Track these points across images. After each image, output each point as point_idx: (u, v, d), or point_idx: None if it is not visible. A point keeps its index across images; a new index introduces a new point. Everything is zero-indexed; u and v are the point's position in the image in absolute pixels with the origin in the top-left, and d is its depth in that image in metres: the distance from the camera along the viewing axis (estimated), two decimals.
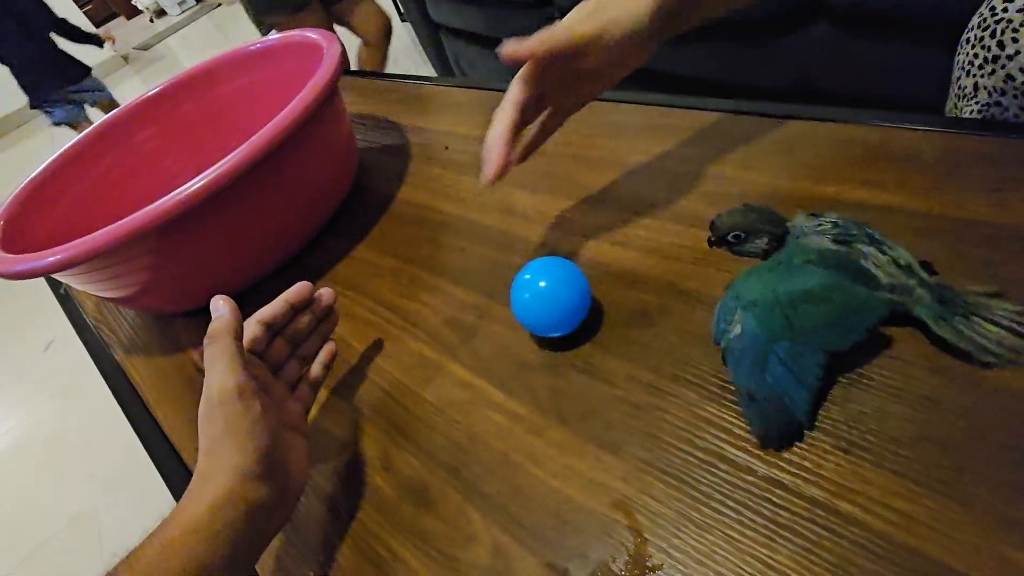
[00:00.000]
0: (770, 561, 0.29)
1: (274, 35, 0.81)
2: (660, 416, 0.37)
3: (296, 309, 0.45)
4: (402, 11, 1.90)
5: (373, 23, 1.81)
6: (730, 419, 0.35)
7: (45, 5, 2.78)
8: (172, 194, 0.51)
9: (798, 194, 0.47)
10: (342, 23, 1.80)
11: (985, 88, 0.56)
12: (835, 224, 0.37)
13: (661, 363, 0.40)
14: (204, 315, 0.59)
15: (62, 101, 2.83)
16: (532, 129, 0.48)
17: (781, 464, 0.32)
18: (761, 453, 0.33)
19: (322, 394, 0.51)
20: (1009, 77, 0.53)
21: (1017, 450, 0.29)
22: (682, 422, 0.36)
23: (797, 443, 0.33)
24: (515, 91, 0.43)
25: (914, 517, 0.28)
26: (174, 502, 0.37)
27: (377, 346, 0.52)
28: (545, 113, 0.47)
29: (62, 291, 0.84)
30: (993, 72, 0.55)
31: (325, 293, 0.47)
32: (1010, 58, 0.52)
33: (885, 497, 0.29)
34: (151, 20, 6.92)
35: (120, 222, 0.51)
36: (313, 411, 0.49)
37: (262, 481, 0.34)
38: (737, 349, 0.35)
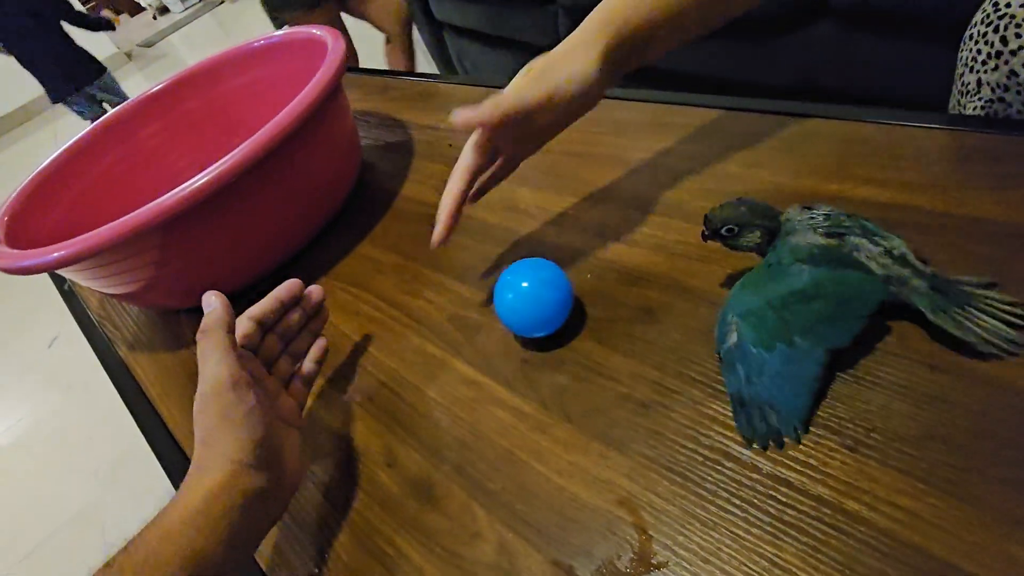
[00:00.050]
0: (776, 559, 0.29)
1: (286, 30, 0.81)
2: (665, 414, 0.37)
3: (287, 306, 0.46)
4: None
5: (391, 13, 1.80)
6: None
7: None
8: (176, 190, 0.52)
9: (802, 192, 0.47)
10: (361, 17, 1.79)
11: (988, 84, 0.56)
12: (827, 217, 0.37)
13: (666, 360, 0.40)
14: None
15: (83, 99, 2.86)
16: (485, 176, 0.49)
17: (787, 462, 0.32)
18: (767, 451, 0.33)
19: (326, 390, 0.51)
20: (1012, 73, 0.52)
21: None
22: (687, 420, 0.36)
23: (803, 442, 0.33)
24: (468, 158, 0.44)
25: (920, 515, 0.28)
26: None
27: (381, 343, 0.52)
28: (497, 163, 0.48)
29: (66, 287, 0.84)
30: (996, 68, 0.55)
31: (314, 290, 0.48)
32: (1013, 54, 0.52)
33: (891, 495, 0.29)
34: (154, 17, 6.92)
35: (125, 218, 0.51)
36: (317, 407, 0.50)
37: (258, 470, 0.35)
38: (730, 358, 0.36)
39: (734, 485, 0.32)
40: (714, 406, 0.36)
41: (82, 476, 1.69)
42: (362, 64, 1.76)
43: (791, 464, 0.32)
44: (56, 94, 2.83)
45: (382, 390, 0.48)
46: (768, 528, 0.30)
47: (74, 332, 0.76)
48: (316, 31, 0.73)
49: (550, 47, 0.44)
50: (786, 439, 0.33)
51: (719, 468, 0.33)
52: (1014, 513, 0.27)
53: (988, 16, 0.55)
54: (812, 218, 0.37)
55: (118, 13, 6.78)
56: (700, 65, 1.09)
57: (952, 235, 0.39)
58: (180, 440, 0.53)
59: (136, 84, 4.84)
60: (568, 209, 0.56)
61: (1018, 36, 0.51)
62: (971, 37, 0.58)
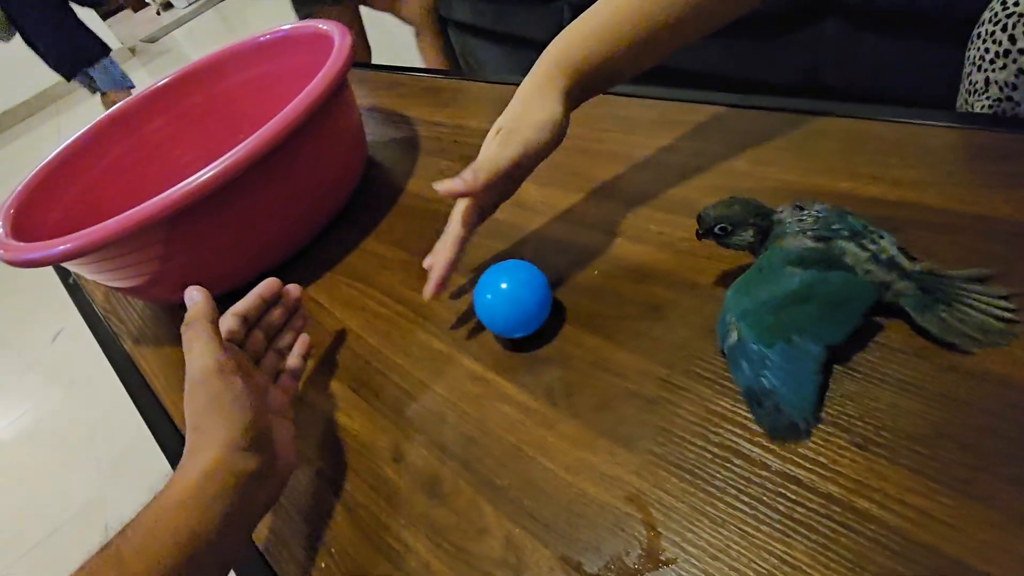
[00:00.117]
0: (786, 556, 0.29)
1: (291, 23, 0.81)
2: (673, 411, 0.37)
3: (268, 303, 0.48)
4: None
5: (414, 4, 1.78)
6: (744, 414, 0.35)
7: None
8: (182, 184, 0.52)
9: (811, 190, 0.46)
10: (386, 10, 1.78)
11: (996, 83, 0.56)
12: (816, 219, 0.37)
13: (674, 358, 0.40)
14: None
15: (100, 71, 2.91)
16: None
17: (796, 460, 0.32)
18: (776, 448, 0.33)
19: (330, 384, 0.51)
20: (1020, 72, 0.52)
21: None
22: (696, 417, 0.36)
23: (812, 439, 0.33)
24: (457, 230, 0.46)
25: (931, 514, 0.28)
26: None
27: (387, 338, 0.52)
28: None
29: (71, 281, 0.84)
30: (1004, 67, 0.54)
31: (292, 288, 0.50)
32: (1021, 52, 0.51)
33: (901, 494, 0.29)
34: (158, 13, 6.91)
35: (130, 211, 0.51)
36: (322, 401, 0.50)
37: (249, 452, 0.36)
38: (734, 355, 0.36)
39: (743, 482, 0.32)
40: (723, 403, 0.36)
41: (85, 471, 1.69)
42: (388, 62, 1.75)
43: (800, 462, 0.32)
44: (65, 69, 2.87)
45: (388, 385, 0.48)
46: (778, 526, 0.30)
47: (77, 327, 0.76)
48: (323, 25, 0.72)
49: None
50: (802, 428, 0.33)
51: (728, 465, 0.33)
52: None
53: (996, 15, 0.55)
54: (802, 220, 0.37)
55: (122, 8, 6.78)
56: (704, 63, 1.09)
57: (961, 234, 0.39)
58: (185, 433, 0.53)
59: (140, 79, 4.82)
60: (575, 206, 0.56)
61: None
62: (979, 36, 0.57)
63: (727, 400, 0.36)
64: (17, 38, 2.82)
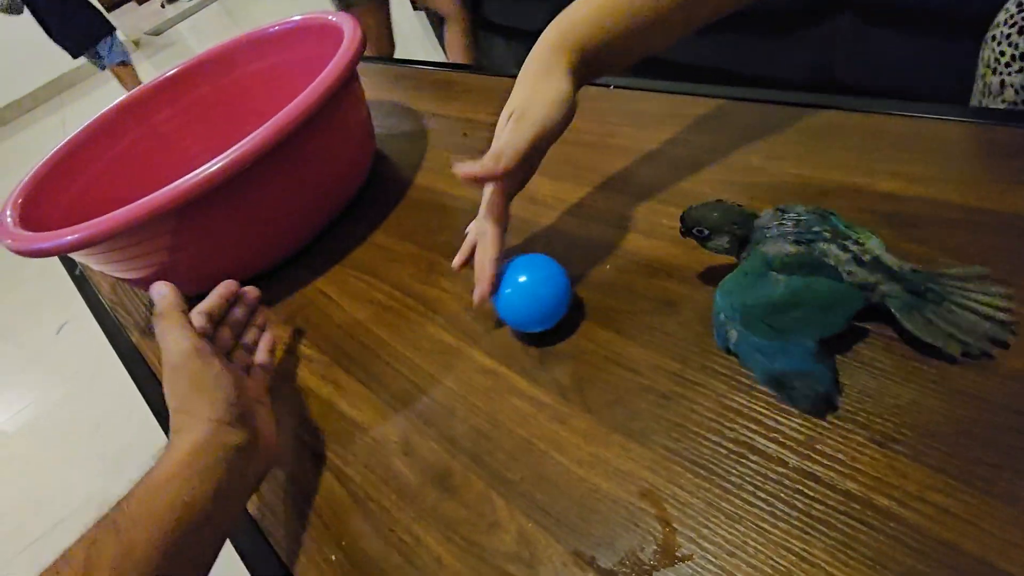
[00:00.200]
0: (804, 554, 0.29)
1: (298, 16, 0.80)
2: (687, 406, 0.37)
3: (229, 302, 0.50)
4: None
5: None
6: (760, 410, 0.35)
7: None
8: (190, 175, 0.51)
9: (828, 185, 0.46)
10: (422, 2, 1.79)
11: (1012, 86, 0.55)
12: (796, 222, 0.37)
13: (687, 353, 0.39)
14: None
15: (107, 47, 3.01)
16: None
17: (814, 457, 0.32)
18: (793, 445, 0.33)
19: (340, 376, 0.50)
20: None
21: None
22: (711, 412, 0.36)
23: (830, 436, 0.32)
24: (493, 226, 0.44)
25: (954, 512, 0.28)
26: None
27: (396, 331, 0.52)
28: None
29: (78, 272, 0.84)
30: (1021, 70, 0.54)
31: (249, 289, 0.52)
32: None
33: (922, 491, 0.29)
34: (162, 6, 6.90)
35: (139, 201, 0.51)
36: (330, 393, 0.49)
37: (234, 427, 0.37)
38: (741, 349, 0.36)
39: (760, 479, 0.32)
40: (738, 399, 0.36)
41: (88, 464, 1.70)
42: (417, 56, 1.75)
43: (819, 458, 0.32)
44: (72, 45, 2.92)
45: (397, 378, 0.48)
46: (796, 523, 0.30)
47: (82, 319, 0.76)
48: (331, 17, 0.72)
49: None
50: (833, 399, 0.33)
51: (744, 462, 0.33)
52: None
53: (1012, 16, 0.54)
54: (782, 224, 0.37)
55: (127, 1, 6.78)
56: (715, 60, 1.08)
57: (979, 230, 0.38)
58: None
59: (144, 72, 4.81)
60: (586, 200, 0.55)
61: None
62: (994, 38, 0.57)
63: (742, 396, 0.36)
64: (25, 17, 2.84)
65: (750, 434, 0.34)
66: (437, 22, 2.02)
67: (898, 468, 0.30)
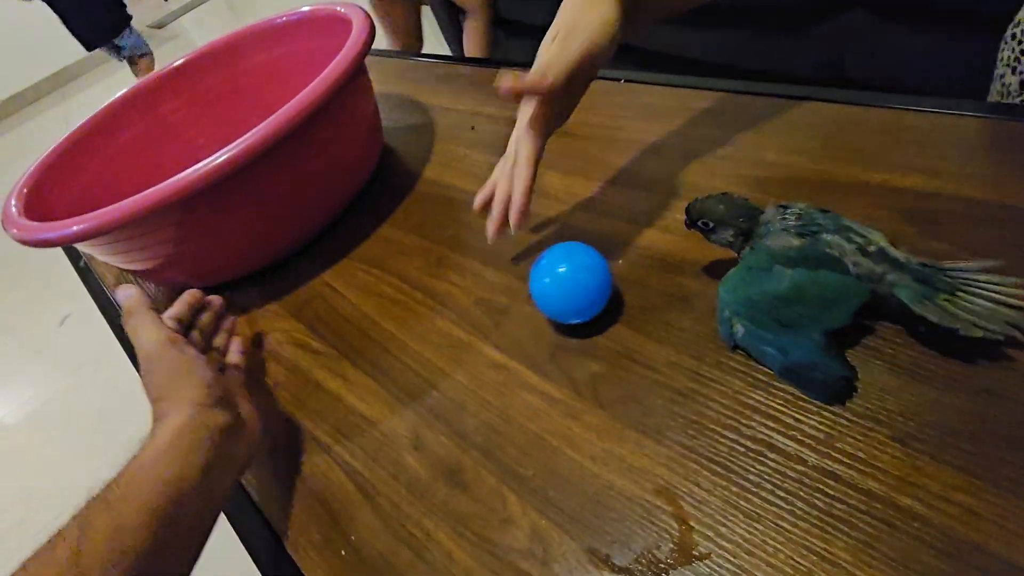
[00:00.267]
0: (826, 553, 0.28)
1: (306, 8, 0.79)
2: (703, 403, 0.36)
3: (195, 308, 0.50)
4: None
5: None
6: (778, 407, 0.34)
7: None
8: (197, 166, 0.50)
9: (847, 181, 0.45)
10: None
11: None
12: (799, 216, 0.36)
13: (703, 349, 0.39)
14: (225, 290, 0.59)
15: (129, 38, 2.95)
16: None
17: (834, 455, 0.31)
18: (812, 443, 0.32)
19: (348, 370, 0.50)
20: None
21: None
22: (727, 409, 0.35)
23: (849, 435, 0.32)
24: (528, 147, 0.42)
25: (978, 512, 0.27)
26: None
27: (405, 325, 0.51)
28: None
29: (82, 264, 0.83)
30: None
31: (213, 298, 0.53)
32: None
33: (946, 491, 0.28)
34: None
35: (145, 192, 0.50)
36: (340, 386, 0.49)
37: (216, 408, 0.38)
38: (750, 343, 0.36)
39: (778, 477, 0.32)
40: (756, 396, 0.35)
41: (91, 457, 1.69)
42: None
43: (839, 457, 0.31)
44: (90, 37, 2.87)
45: (407, 372, 0.47)
46: (816, 522, 0.29)
47: (85, 312, 0.76)
48: (340, 8, 0.71)
49: None
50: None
51: (762, 459, 0.32)
52: None
53: None
54: (784, 218, 0.36)
55: None
56: (725, 55, 1.07)
57: (1001, 226, 0.38)
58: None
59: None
60: (597, 194, 0.55)
61: None
62: (1013, 37, 0.56)
63: (760, 392, 0.35)
64: (28, 9, 2.81)
65: (768, 431, 0.33)
66: (446, 19, 2.02)
67: (920, 467, 0.29)
